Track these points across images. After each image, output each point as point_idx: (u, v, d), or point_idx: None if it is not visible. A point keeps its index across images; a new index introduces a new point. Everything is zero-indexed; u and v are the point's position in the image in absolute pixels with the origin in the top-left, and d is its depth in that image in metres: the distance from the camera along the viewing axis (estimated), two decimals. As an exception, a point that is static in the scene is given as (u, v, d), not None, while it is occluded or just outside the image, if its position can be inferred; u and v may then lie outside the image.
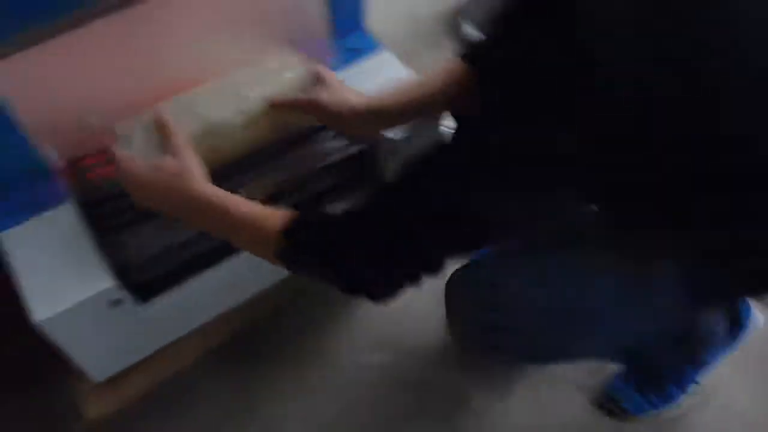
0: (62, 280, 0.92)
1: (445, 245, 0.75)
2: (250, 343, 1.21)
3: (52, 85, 0.91)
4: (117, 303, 0.95)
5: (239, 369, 1.20)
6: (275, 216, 0.80)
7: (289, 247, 0.78)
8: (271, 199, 1.02)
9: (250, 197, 0.85)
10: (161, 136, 0.90)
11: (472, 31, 1.67)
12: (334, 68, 1.13)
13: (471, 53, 0.91)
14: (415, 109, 0.94)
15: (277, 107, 0.99)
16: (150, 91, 0.98)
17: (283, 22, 1.04)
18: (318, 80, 0.98)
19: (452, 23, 1.75)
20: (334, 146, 1.08)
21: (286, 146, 1.07)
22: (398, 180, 0.74)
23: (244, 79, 1.01)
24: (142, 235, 0.98)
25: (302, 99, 0.98)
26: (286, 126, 1.04)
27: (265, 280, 1.16)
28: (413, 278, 0.76)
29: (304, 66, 1.02)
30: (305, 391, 1.18)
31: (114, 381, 1.08)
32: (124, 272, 0.95)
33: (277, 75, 1.01)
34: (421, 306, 1.25)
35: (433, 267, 0.75)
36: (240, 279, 1.09)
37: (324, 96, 0.95)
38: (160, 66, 0.97)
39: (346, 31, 1.15)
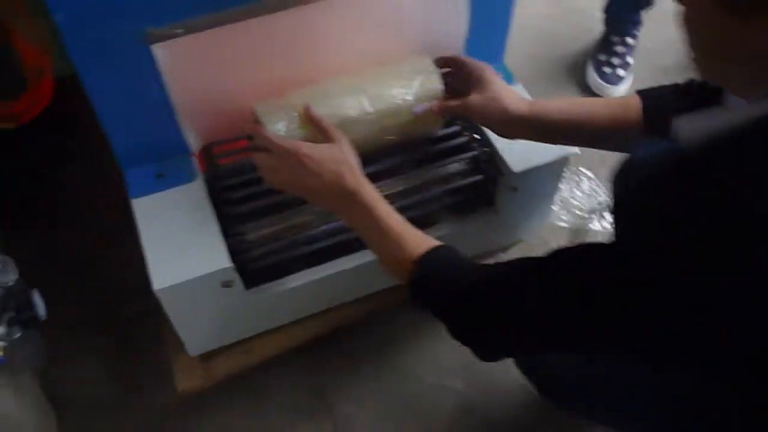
0: (183, 253, 0.96)
1: (555, 346, 0.73)
2: (336, 344, 1.23)
3: (205, 70, 0.97)
4: (228, 284, 0.99)
5: (322, 367, 1.22)
6: (418, 240, 0.79)
7: (419, 279, 0.77)
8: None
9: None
10: (301, 123, 0.93)
11: (595, 79, 1.66)
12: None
13: (651, 102, 0.88)
14: (575, 126, 0.91)
15: (422, 116, 1.00)
16: (293, 83, 1.02)
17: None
18: (474, 79, 0.96)
19: (579, 66, 1.75)
20: (458, 171, 1.10)
21: (411, 163, 1.10)
22: (545, 264, 0.68)
23: (378, 77, 1.03)
24: (262, 226, 1.02)
25: (454, 104, 0.98)
26: (412, 129, 1.06)
27: (368, 286, 1.18)
28: (514, 355, 0.75)
29: (437, 71, 1.03)
30: (379, 401, 1.19)
31: (207, 358, 1.12)
32: (240, 257, 0.99)
33: (410, 78, 1.02)
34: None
35: (538, 354, 0.74)
36: (343, 282, 1.11)
37: (477, 100, 0.94)
38: (307, 61, 1.01)
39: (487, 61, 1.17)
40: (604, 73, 1.66)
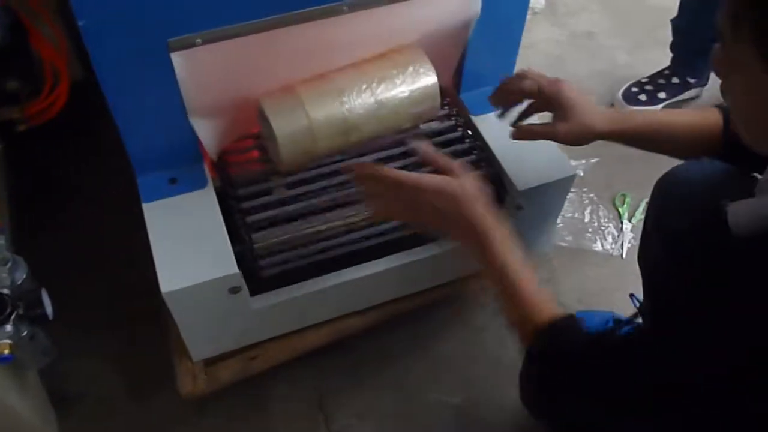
0: (191, 258, 0.98)
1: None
2: (339, 354, 1.24)
3: (220, 79, 0.99)
4: (235, 290, 1.00)
5: (323, 378, 1.23)
6: (544, 305, 0.76)
7: (538, 350, 0.75)
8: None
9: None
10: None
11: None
12: (475, 112, 1.18)
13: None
14: (656, 137, 0.94)
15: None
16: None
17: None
18: (555, 105, 0.95)
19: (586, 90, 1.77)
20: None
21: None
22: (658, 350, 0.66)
23: (382, 76, 1.06)
24: (270, 235, 1.03)
25: (540, 130, 0.98)
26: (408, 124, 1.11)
27: (372, 297, 1.19)
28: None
29: (434, 72, 1.07)
30: (379, 414, 1.20)
31: (210, 363, 1.13)
32: (247, 264, 1.01)
33: (412, 78, 1.06)
34: (512, 358, 1.25)
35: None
36: (348, 292, 1.13)
37: (564, 128, 0.94)
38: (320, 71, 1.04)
39: (490, 81, 1.19)
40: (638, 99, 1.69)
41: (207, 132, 1.04)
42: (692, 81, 1.69)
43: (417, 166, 0.98)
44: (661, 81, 1.69)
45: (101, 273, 1.33)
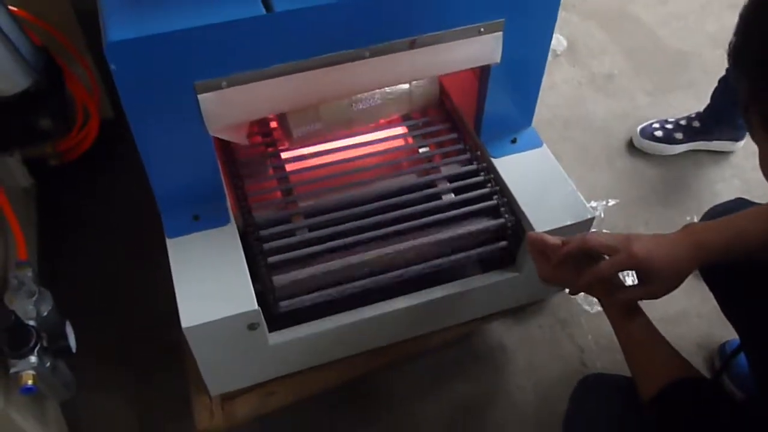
0: (212, 293, 1.00)
1: None
2: (355, 392, 1.24)
3: (245, 120, 1.02)
4: (254, 327, 1.01)
5: (339, 415, 1.23)
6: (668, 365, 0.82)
7: (662, 409, 0.79)
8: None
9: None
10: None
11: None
12: (497, 155, 1.19)
13: None
14: (751, 246, 0.86)
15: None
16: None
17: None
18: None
19: (605, 130, 1.78)
20: (483, 229, 1.13)
21: (439, 222, 1.13)
22: None
23: None
24: (290, 273, 1.05)
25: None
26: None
27: (388, 336, 1.20)
28: None
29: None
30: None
31: (227, 399, 1.14)
32: (267, 301, 1.02)
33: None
34: (529, 401, 1.25)
35: None
36: (364, 331, 1.13)
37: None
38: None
39: (512, 126, 1.21)
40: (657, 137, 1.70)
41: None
42: (716, 131, 1.68)
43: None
44: (683, 122, 1.70)
45: (121, 308, 1.35)
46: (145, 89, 0.91)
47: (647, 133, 1.71)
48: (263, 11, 0.90)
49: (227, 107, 0.97)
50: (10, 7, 1.06)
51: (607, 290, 0.90)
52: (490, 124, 1.20)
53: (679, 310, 1.36)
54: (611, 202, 1.60)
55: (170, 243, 1.06)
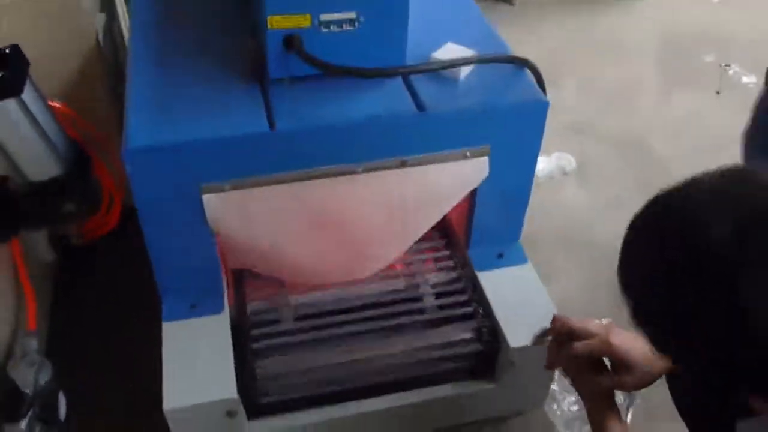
0: (196, 378, 1.06)
1: None
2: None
3: (245, 220, 1.11)
4: (232, 414, 1.07)
5: None
6: None
7: None
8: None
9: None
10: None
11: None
12: (482, 268, 1.26)
13: None
14: None
15: None
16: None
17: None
18: (613, 360, 0.98)
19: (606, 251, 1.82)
20: (459, 339, 1.18)
21: (416, 324, 1.19)
22: None
23: None
24: (273, 364, 1.11)
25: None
26: None
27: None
28: None
29: None
30: None
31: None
32: (247, 390, 1.08)
33: None
34: None
35: None
36: (345, 428, 1.18)
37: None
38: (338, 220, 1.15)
39: (500, 240, 1.28)
40: None
41: (230, 264, 1.16)
42: None
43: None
44: None
45: (119, 382, 1.41)
46: (155, 189, 1.02)
47: None
48: (267, 128, 1.01)
49: (228, 208, 1.07)
50: (49, 101, 1.19)
51: (581, 372, 0.98)
52: (478, 238, 1.28)
53: None
54: (605, 320, 1.62)
55: (165, 326, 1.14)
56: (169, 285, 1.16)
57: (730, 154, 2.17)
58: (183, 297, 1.17)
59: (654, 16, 2.75)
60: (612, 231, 1.79)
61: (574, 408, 1.45)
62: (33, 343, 1.13)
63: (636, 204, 0.73)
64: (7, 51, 1.07)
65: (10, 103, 1.04)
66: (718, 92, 2.30)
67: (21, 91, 1.05)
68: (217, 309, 1.17)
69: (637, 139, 2.22)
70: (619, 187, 2.03)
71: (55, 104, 1.24)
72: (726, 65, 2.44)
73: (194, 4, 1.30)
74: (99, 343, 1.49)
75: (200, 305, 1.17)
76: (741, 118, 1.38)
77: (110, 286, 1.60)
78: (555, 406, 1.42)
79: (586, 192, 2.02)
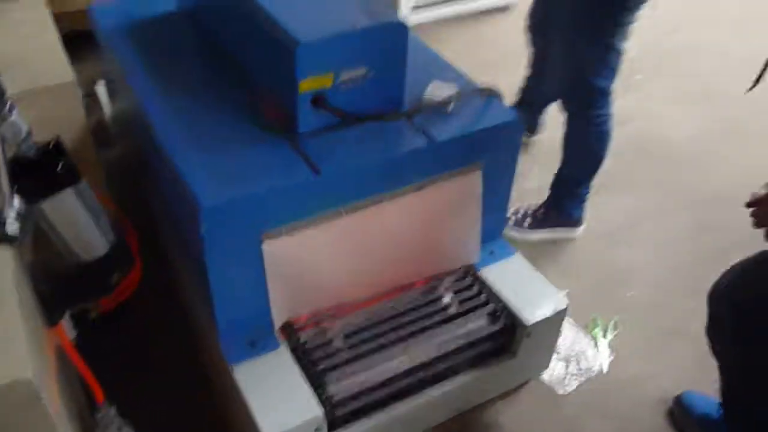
0: (282, 406, 1.20)
1: None
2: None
3: (298, 263, 1.26)
4: (319, 429, 1.21)
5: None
6: None
7: None
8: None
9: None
10: None
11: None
12: (481, 265, 1.48)
13: None
14: None
15: None
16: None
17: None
18: None
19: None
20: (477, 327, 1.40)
21: (436, 323, 1.39)
22: None
23: None
24: (342, 378, 1.27)
25: None
26: None
27: (429, 421, 1.41)
28: None
29: None
30: None
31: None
32: (326, 405, 1.23)
33: None
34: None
35: None
36: (409, 419, 1.35)
37: None
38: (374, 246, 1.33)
39: (489, 239, 1.51)
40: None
41: (282, 305, 1.30)
42: None
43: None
44: None
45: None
46: (225, 240, 1.15)
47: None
48: (313, 175, 1.17)
49: (284, 252, 1.21)
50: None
51: None
52: (473, 242, 1.50)
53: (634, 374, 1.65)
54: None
55: (235, 369, 1.25)
56: (229, 326, 1.27)
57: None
58: (242, 336, 1.29)
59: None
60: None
61: (561, 370, 1.71)
62: (111, 411, 1.20)
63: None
64: (54, 144, 1.14)
65: (69, 193, 1.12)
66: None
67: (79, 179, 1.13)
68: (273, 346, 1.30)
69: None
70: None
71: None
72: None
73: (184, 66, 1.47)
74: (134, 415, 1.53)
75: (258, 344, 1.29)
76: None
77: (134, 355, 1.64)
78: (546, 376, 1.67)
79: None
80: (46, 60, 1.51)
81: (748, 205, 1.10)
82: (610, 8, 1.54)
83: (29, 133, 1.09)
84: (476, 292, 1.44)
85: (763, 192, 1.10)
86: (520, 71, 2.17)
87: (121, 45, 1.53)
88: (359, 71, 1.22)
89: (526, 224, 1.93)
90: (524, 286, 1.45)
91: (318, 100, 1.20)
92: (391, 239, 1.33)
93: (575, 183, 1.89)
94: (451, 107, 1.33)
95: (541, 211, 1.94)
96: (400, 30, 1.22)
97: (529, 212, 1.95)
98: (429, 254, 1.40)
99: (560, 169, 1.89)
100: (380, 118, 1.26)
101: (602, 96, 1.69)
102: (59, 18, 1.70)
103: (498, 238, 1.54)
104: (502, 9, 3.02)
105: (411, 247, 1.36)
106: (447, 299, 1.43)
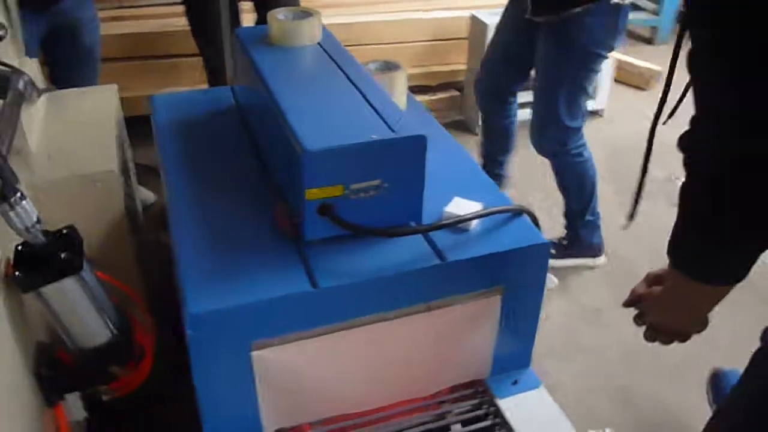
0: None
1: None
2: None
3: (289, 373, 1.20)
4: None
5: None
6: None
7: None
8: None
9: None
10: None
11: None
12: (500, 395, 1.37)
13: None
14: None
15: None
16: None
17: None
18: None
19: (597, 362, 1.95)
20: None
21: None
22: None
23: None
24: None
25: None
26: None
27: None
28: None
29: None
30: None
31: None
32: None
33: None
34: None
35: None
36: None
37: None
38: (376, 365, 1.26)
39: (513, 367, 1.40)
40: None
41: (272, 413, 1.24)
42: None
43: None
44: None
45: None
46: (210, 348, 1.11)
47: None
48: (310, 287, 1.13)
49: (276, 362, 1.16)
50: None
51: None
52: (495, 368, 1.39)
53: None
54: (608, 430, 1.73)
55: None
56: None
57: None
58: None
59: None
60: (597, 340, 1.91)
61: None
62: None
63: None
64: (65, 231, 1.17)
65: (70, 282, 1.14)
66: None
67: (81, 267, 1.14)
68: (263, 459, 1.24)
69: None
70: (595, 297, 2.19)
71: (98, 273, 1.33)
72: (676, 178, 2.71)
73: (218, 164, 1.48)
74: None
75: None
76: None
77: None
78: None
79: (567, 304, 2.18)
80: (94, 148, 1.59)
81: (627, 305, 1.09)
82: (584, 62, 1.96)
83: (38, 221, 1.13)
84: (489, 424, 1.32)
85: (641, 289, 1.08)
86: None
87: (168, 138, 1.58)
88: (372, 183, 1.19)
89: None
90: (544, 426, 1.31)
91: (325, 209, 1.17)
92: (394, 357, 1.25)
93: (581, 213, 2.22)
94: (472, 226, 1.27)
95: (565, 241, 2.29)
96: (418, 143, 1.18)
97: (555, 241, 2.28)
98: (434, 373, 1.31)
99: (565, 206, 2.26)
100: (389, 234, 1.21)
101: (575, 133, 2.09)
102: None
103: (524, 368, 1.42)
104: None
105: (415, 366, 1.28)
106: (455, 426, 1.32)
